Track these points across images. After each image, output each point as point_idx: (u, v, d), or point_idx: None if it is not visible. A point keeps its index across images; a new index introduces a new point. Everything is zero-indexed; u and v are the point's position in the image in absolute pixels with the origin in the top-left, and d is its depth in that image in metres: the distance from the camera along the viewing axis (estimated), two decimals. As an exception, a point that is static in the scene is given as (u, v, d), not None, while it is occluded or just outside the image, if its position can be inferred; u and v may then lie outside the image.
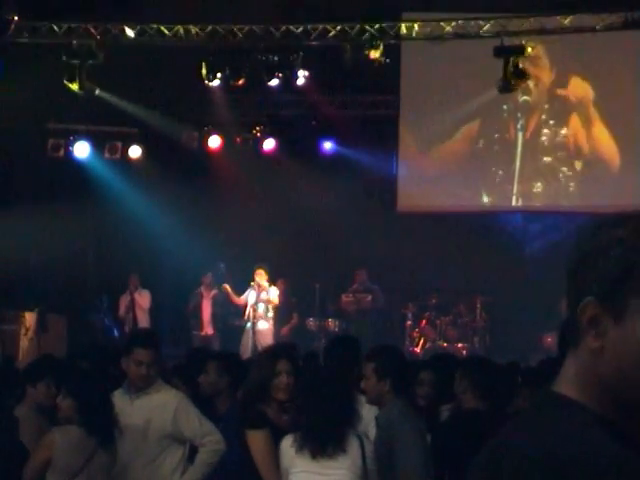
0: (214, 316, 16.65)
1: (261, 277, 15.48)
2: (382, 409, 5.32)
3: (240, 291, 15.97)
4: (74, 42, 14.78)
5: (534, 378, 6.14)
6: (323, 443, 4.89)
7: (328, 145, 18.12)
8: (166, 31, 15.29)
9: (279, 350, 5.98)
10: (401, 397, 5.33)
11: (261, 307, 15.43)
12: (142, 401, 5.86)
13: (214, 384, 6.50)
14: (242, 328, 15.68)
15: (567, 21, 14.68)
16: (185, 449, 5.93)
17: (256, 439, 5.25)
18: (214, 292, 16.62)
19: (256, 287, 15.53)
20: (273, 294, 15.55)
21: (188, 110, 17.94)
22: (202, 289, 16.69)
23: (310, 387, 5.07)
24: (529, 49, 14.36)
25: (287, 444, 4.98)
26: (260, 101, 17.91)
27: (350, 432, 4.97)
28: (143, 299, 16.63)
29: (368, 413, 5.98)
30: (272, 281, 15.78)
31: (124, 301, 16.67)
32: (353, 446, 4.94)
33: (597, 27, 14.52)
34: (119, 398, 5.89)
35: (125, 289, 16.72)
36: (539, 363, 6.38)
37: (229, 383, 6.57)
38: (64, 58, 14.77)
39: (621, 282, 1.58)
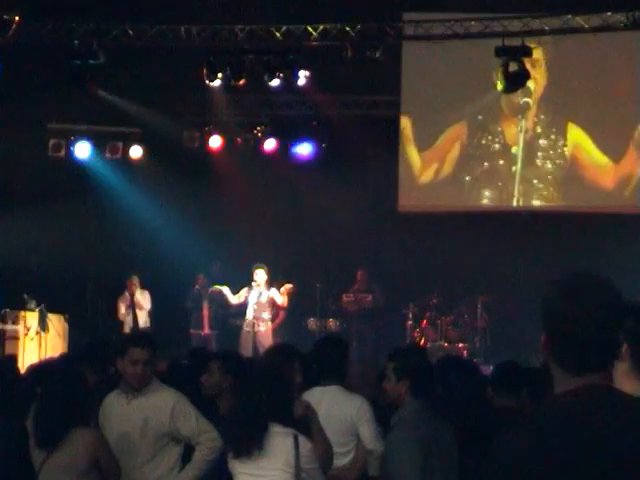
0: (212, 315, 16.64)
1: (260, 276, 15.48)
2: (399, 410, 5.27)
3: (237, 290, 16.02)
4: (75, 42, 14.77)
5: (536, 378, 6.13)
6: (244, 443, 4.92)
7: (329, 145, 18.11)
8: (167, 31, 15.29)
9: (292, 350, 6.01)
10: (420, 398, 5.25)
11: (262, 307, 15.43)
12: (139, 401, 5.88)
13: (218, 384, 6.47)
14: (241, 328, 15.70)
15: (568, 21, 14.68)
16: (181, 448, 5.94)
17: None
18: (211, 290, 16.63)
19: (256, 287, 15.53)
20: (274, 294, 15.54)
21: (189, 110, 17.94)
22: (198, 288, 16.68)
23: (239, 386, 5.09)
24: (531, 49, 14.36)
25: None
26: (261, 101, 17.91)
27: (276, 430, 4.96)
28: (144, 300, 16.62)
29: (359, 410, 6.00)
30: (271, 281, 15.78)
31: (124, 302, 16.65)
32: (284, 445, 4.93)
33: (598, 27, 14.53)
34: (115, 399, 5.93)
35: (124, 290, 16.70)
36: (543, 364, 6.36)
37: (232, 383, 6.55)
38: (65, 59, 14.76)
39: None
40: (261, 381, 5.08)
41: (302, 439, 5.01)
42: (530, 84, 15.34)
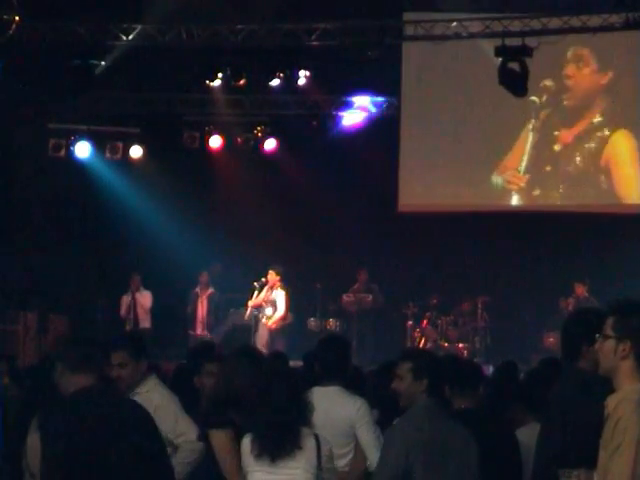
0: (210, 315, 16.65)
1: (272, 276, 15.50)
2: (408, 409, 5.23)
3: (238, 290, 16.02)
4: (75, 42, 14.78)
5: (533, 378, 6.11)
6: (278, 444, 4.97)
7: (328, 145, 18.10)
8: (167, 31, 15.29)
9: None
10: (434, 398, 5.20)
11: (267, 309, 15.46)
12: None
13: None
14: (243, 327, 15.77)
15: (568, 21, 14.68)
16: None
17: (217, 438, 5.29)
18: (210, 291, 16.63)
19: (267, 288, 15.55)
20: (280, 299, 15.54)
21: (189, 110, 17.94)
22: (198, 288, 16.69)
23: (259, 387, 5.12)
24: (531, 49, 14.35)
25: (246, 443, 5.05)
26: (261, 101, 17.91)
27: (304, 430, 5.03)
28: (144, 299, 16.62)
29: (358, 412, 5.99)
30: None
31: (125, 301, 16.67)
32: (308, 444, 5.01)
33: (598, 27, 14.53)
34: None
35: (126, 289, 16.71)
36: (539, 363, 6.33)
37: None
38: (65, 59, 14.77)
39: None
40: (291, 387, 5.12)
41: (322, 439, 5.12)
42: (532, 84, 15.27)
